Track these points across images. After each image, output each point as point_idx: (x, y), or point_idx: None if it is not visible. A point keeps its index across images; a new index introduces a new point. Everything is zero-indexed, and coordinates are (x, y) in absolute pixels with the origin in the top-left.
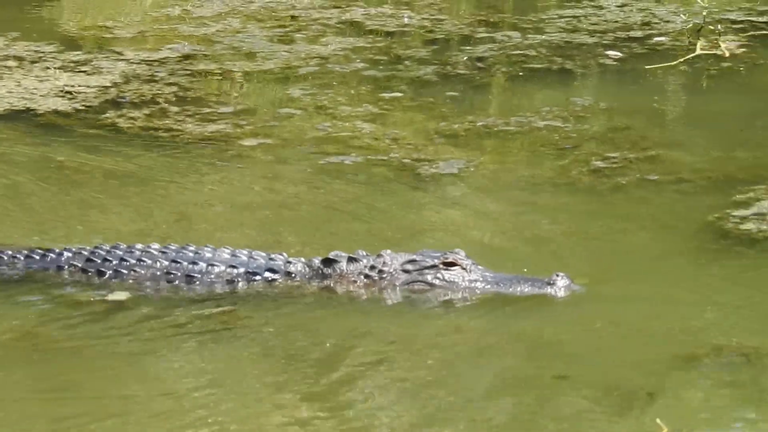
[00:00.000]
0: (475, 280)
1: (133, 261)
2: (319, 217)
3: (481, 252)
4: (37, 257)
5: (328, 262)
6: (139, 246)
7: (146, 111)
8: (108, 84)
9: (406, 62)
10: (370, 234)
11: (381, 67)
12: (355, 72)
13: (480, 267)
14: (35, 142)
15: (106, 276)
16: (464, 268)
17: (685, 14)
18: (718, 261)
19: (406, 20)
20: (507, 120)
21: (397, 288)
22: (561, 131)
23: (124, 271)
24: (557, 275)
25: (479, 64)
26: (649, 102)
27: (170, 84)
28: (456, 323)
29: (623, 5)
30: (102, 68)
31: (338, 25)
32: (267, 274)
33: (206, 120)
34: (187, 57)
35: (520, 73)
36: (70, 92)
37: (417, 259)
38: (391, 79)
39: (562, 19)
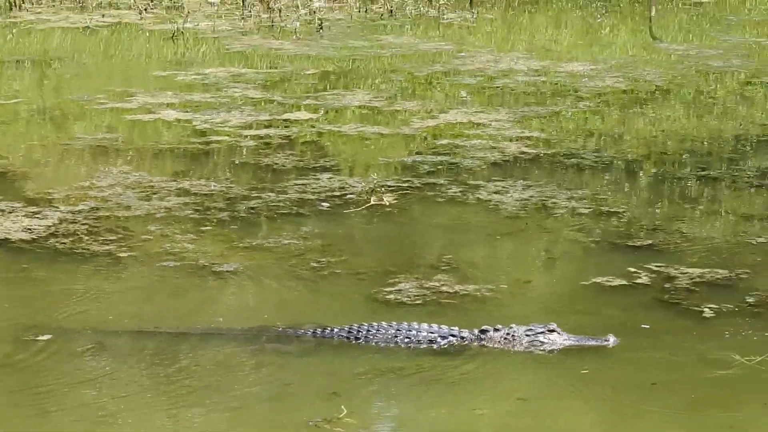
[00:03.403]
0: (566, 339)
1: (374, 332)
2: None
3: (249, 305)
4: (326, 330)
5: (483, 331)
6: (375, 323)
7: (71, 239)
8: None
9: (211, 211)
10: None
11: (197, 210)
12: (186, 216)
13: (565, 333)
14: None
15: (360, 339)
16: (560, 333)
17: (364, 182)
18: (374, 316)
19: (212, 186)
20: (268, 240)
21: (524, 345)
22: (295, 246)
23: (370, 337)
24: (610, 336)
25: (252, 210)
26: (345, 229)
27: (83, 224)
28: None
29: (331, 177)
30: (47, 215)
31: (173, 190)
32: (450, 338)
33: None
34: (94, 208)
35: (275, 215)
36: (30, 229)
37: (532, 328)
38: (205, 219)
39: (297, 186)
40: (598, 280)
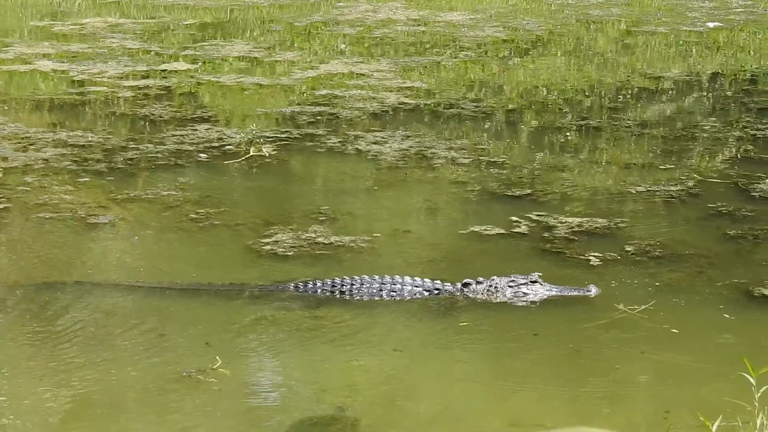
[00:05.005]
0: (549, 290)
1: (358, 285)
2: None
3: (126, 256)
4: (309, 284)
5: (466, 284)
6: (357, 277)
7: None
8: None
9: (89, 163)
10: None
11: (75, 162)
12: (64, 167)
13: (548, 283)
14: None
15: (345, 293)
16: (542, 284)
17: (242, 133)
18: (250, 267)
19: (90, 138)
20: (146, 191)
21: (507, 295)
22: (173, 197)
23: (355, 291)
24: (591, 286)
25: (129, 161)
26: (223, 180)
27: None
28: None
29: (209, 128)
30: None
31: (50, 141)
32: (435, 291)
33: None
34: None
35: (152, 166)
36: None
37: (515, 279)
38: (82, 170)
39: (175, 137)
40: (477, 229)
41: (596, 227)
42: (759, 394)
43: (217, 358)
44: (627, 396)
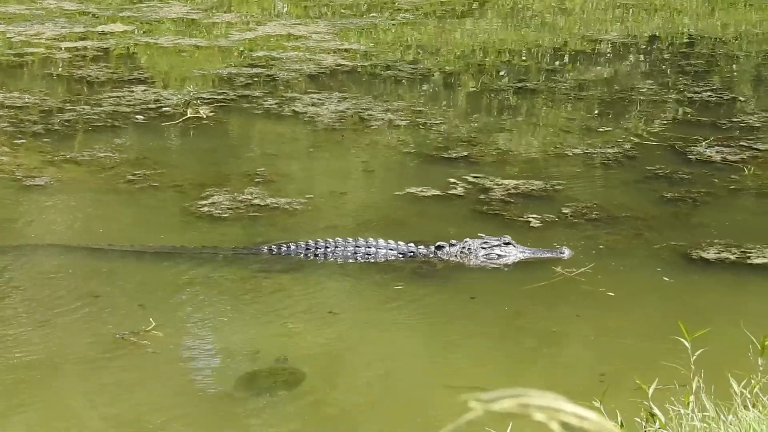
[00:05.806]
0: (522, 252)
1: (332, 248)
2: None
3: (63, 218)
4: (283, 247)
5: (439, 247)
6: (331, 239)
7: None
8: None
9: (26, 124)
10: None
11: (12, 123)
12: (0, 129)
13: (521, 245)
14: None
15: (319, 255)
16: (515, 246)
17: (179, 95)
18: (187, 229)
19: (27, 99)
20: (83, 153)
21: (479, 257)
22: (110, 159)
23: (329, 254)
24: (564, 248)
25: (66, 123)
26: (160, 142)
27: None
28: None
29: (146, 90)
30: None
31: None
32: (409, 254)
33: None
34: None
35: (89, 128)
36: None
37: (488, 241)
38: (19, 132)
39: (112, 98)
40: (413, 190)
41: (533, 189)
42: (694, 357)
43: (151, 320)
44: (563, 359)
